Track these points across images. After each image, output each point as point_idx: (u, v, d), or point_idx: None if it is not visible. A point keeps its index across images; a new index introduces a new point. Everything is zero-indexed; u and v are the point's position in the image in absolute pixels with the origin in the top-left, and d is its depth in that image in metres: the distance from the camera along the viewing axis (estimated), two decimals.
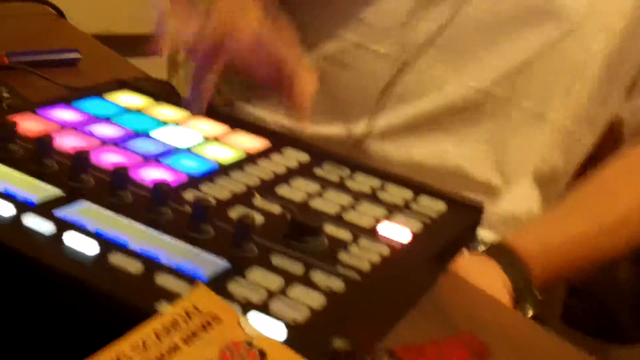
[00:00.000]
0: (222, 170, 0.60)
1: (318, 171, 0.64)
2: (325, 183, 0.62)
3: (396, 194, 0.62)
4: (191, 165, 0.60)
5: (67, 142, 0.58)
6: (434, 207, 0.62)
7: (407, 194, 0.63)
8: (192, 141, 0.64)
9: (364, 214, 0.58)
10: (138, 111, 0.68)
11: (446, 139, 0.88)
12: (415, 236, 0.57)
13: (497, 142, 0.88)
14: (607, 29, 0.86)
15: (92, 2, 1.41)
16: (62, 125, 0.62)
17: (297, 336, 0.42)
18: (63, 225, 0.47)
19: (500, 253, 0.77)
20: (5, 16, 0.97)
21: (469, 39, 0.86)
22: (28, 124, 0.60)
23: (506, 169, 0.89)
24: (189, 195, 0.55)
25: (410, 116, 0.88)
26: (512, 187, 0.89)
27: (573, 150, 0.92)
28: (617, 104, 0.92)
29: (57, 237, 0.46)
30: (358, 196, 0.61)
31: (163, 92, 0.73)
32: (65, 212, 0.49)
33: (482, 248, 0.79)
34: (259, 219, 0.54)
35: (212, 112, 0.70)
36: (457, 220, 0.61)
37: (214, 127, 0.68)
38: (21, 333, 0.45)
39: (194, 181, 0.57)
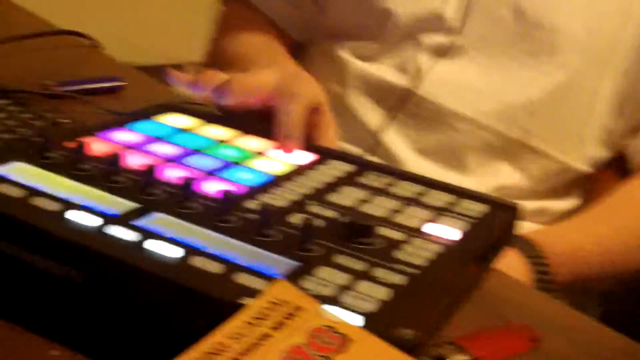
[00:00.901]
0: (277, 181, 0.64)
1: (363, 180, 0.67)
2: (371, 190, 0.65)
3: (439, 198, 0.66)
4: (248, 178, 0.64)
5: (132, 161, 0.62)
6: (476, 208, 0.65)
7: (449, 197, 0.67)
8: (245, 156, 0.68)
9: (412, 217, 0.62)
10: (188, 131, 0.72)
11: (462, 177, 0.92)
12: (464, 234, 0.60)
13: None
14: (611, 70, 0.90)
15: (122, 34, 1.46)
16: (124, 145, 0.65)
17: (369, 326, 0.46)
18: (144, 234, 0.51)
19: (527, 248, 0.81)
20: (43, 48, 1.01)
21: (470, 76, 0.91)
22: (92, 146, 0.64)
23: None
24: (251, 204, 0.59)
25: (418, 147, 0.93)
26: None
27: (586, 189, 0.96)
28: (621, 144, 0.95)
29: (140, 244, 0.50)
30: (404, 201, 0.64)
31: (206, 115, 0.77)
32: (144, 222, 0.53)
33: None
34: (318, 222, 0.57)
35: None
36: (497, 220, 0.65)
37: (262, 143, 0.72)
38: (114, 334, 0.49)
39: (253, 192, 0.61)
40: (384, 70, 0.93)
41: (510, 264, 0.78)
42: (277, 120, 0.74)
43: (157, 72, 1.14)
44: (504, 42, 0.90)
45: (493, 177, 0.92)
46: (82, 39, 1.07)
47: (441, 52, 0.91)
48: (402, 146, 0.93)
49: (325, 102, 0.79)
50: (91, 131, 0.68)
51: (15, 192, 0.54)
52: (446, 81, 0.91)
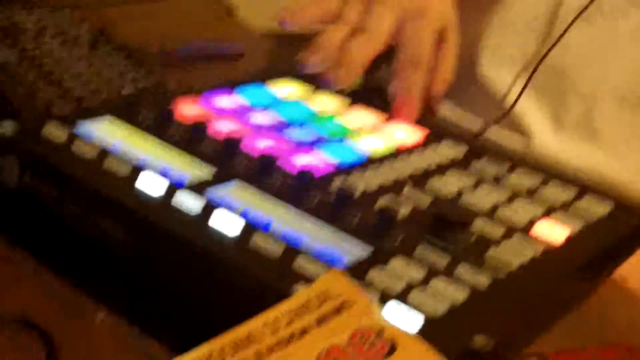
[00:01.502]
0: (373, 161, 0.59)
1: (476, 164, 0.61)
2: (481, 177, 0.59)
3: (557, 192, 0.59)
4: (342, 155, 0.59)
5: (223, 128, 0.59)
6: (597, 208, 0.58)
7: (569, 193, 0.59)
8: (346, 131, 0.64)
9: (518, 211, 0.55)
10: (296, 101, 0.68)
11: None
12: (572, 238, 0.53)
13: None
14: None
15: None
16: (221, 111, 0.63)
17: (433, 328, 0.41)
18: (211, 205, 0.48)
19: None
20: (177, 11, 1.01)
21: (614, 42, 0.81)
22: (189, 109, 0.62)
23: None
24: (336, 183, 0.54)
25: (554, 119, 0.84)
26: None
27: None
28: None
29: (203, 216, 0.47)
30: (515, 192, 0.58)
31: (321, 84, 0.73)
32: (215, 192, 0.50)
33: None
34: (406, 210, 0.52)
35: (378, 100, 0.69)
36: (621, 224, 0.57)
37: (372, 118, 0.67)
38: (161, 306, 0.46)
39: (342, 171, 0.57)
40: (518, 33, 0.85)
41: None
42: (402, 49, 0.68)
43: (291, 40, 1.11)
44: None
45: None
46: (218, 3, 1.05)
47: (582, 14, 0.81)
48: (535, 118, 0.85)
49: (453, 24, 0.70)
50: (193, 94, 0.66)
51: (90, 152, 0.52)
52: (585, 47, 0.82)
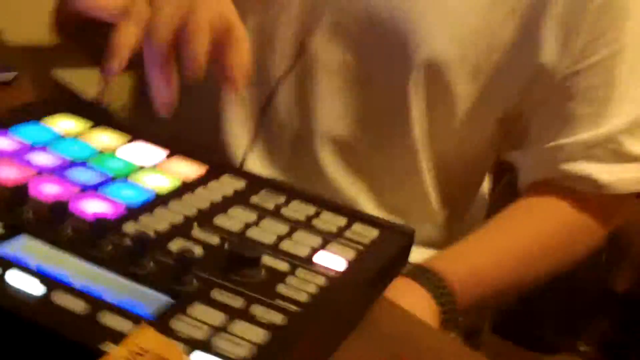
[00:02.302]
0: (160, 199, 0.61)
1: (255, 199, 0.65)
2: (261, 211, 0.63)
3: (330, 221, 0.64)
4: (129, 195, 0.60)
5: (4, 174, 0.58)
6: (367, 233, 0.64)
7: (341, 221, 0.65)
8: (129, 169, 0.65)
9: (300, 244, 0.60)
10: (75, 137, 0.68)
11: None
12: (350, 264, 0.59)
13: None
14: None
15: (26, 14, 1.37)
16: None
17: None
18: (4, 263, 0.47)
19: (426, 277, 0.79)
20: None
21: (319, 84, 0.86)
22: None
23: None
24: (129, 227, 0.56)
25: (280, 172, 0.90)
26: None
27: None
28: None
29: None
30: (294, 225, 0.62)
31: (99, 116, 0.73)
32: (6, 249, 0.49)
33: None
34: (198, 250, 0.55)
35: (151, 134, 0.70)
36: (389, 246, 0.64)
37: (152, 154, 0.68)
38: None
39: (133, 212, 0.58)
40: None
41: (415, 301, 0.75)
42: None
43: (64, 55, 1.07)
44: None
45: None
46: None
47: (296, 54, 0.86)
48: (265, 171, 0.89)
49: (234, 14, 0.68)
50: None
51: None
52: (295, 90, 0.86)
